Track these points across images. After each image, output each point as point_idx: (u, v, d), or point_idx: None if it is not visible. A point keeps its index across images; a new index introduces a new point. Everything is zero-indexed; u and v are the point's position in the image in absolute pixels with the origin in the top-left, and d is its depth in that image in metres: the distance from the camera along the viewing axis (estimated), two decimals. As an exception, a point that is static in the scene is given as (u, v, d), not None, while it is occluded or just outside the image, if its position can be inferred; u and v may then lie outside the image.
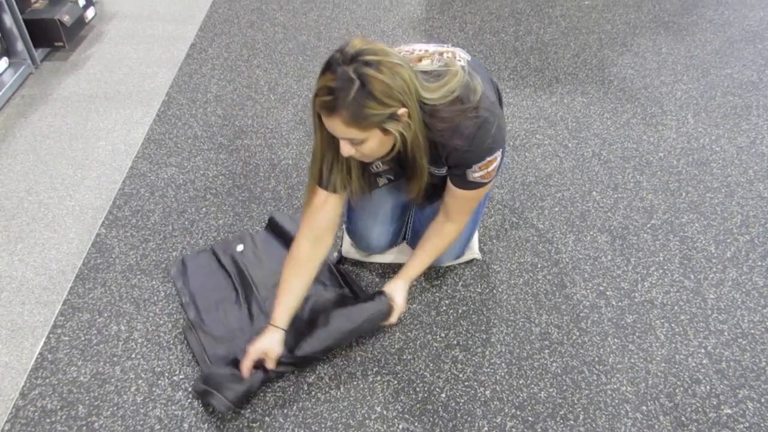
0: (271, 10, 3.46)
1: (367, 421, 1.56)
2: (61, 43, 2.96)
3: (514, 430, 1.54)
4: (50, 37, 2.93)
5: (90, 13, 3.21)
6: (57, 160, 2.43)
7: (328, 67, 1.27)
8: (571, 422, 1.55)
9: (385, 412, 1.58)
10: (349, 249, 1.97)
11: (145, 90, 2.84)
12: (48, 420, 1.56)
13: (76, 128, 2.60)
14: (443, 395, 1.62)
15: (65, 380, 1.66)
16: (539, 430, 1.54)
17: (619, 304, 1.84)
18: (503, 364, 1.68)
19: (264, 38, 3.19)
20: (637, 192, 2.21)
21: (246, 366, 1.55)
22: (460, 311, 1.82)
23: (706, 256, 1.98)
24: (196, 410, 1.58)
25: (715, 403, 1.59)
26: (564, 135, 2.49)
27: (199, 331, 1.73)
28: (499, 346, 1.73)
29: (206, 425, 1.55)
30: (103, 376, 1.66)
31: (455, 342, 1.74)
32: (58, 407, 1.59)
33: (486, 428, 1.55)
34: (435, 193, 1.66)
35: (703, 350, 1.71)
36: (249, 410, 1.58)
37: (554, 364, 1.68)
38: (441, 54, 1.51)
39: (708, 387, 1.62)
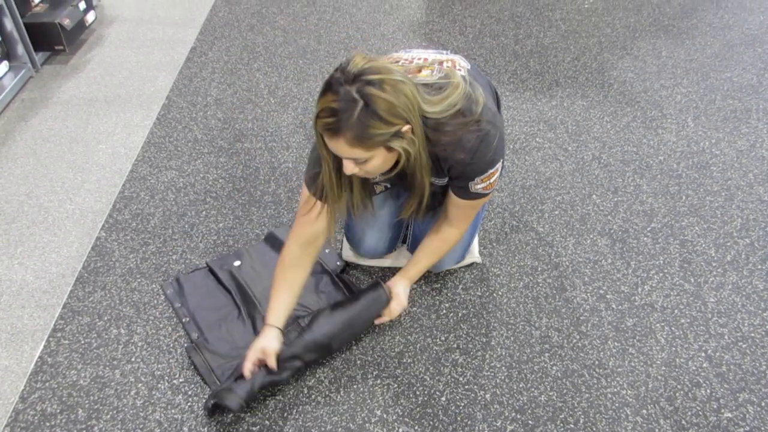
0: (271, 13, 3.47)
1: (367, 425, 1.56)
2: (61, 47, 2.96)
3: (514, 433, 1.55)
4: (50, 40, 2.93)
5: (90, 16, 3.22)
6: (57, 163, 2.43)
7: (329, 87, 1.25)
8: (572, 426, 1.55)
9: (385, 416, 1.57)
10: (348, 253, 1.97)
11: (146, 93, 2.84)
12: (48, 424, 1.56)
13: (76, 132, 2.60)
14: (443, 399, 1.61)
15: (65, 384, 1.65)
16: (539, 433, 1.54)
17: (620, 307, 1.84)
18: (503, 368, 1.68)
19: (264, 42, 3.20)
20: (637, 195, 2.21)
21: (247, 367, 1.54)
22: (460, 314, 1.82)
23: (706, 259, 1.98)
24: (196, 414, 1.58)
25: (715, 406, 1.58)
26: (564, 138, 2.49)
27: (204, 351, 1.70)
28: (499, 349, 1.73)
29: (206, 429, 1.55)
30: (103, 379, 1.66)
31: (455, 345, 1.74)
32: (58, 411, 1.59)
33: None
34: (434, 202, 1.66)
35: (703, 354, 1.71)
36: (249, 414, 1.58)
37: (554, 368, 1.68)
38: (441, 63, 1.50)
39: (708, 390, 1.62)
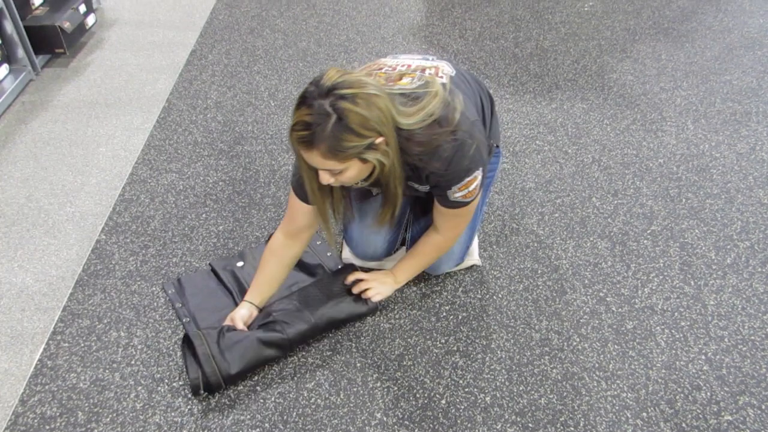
0: (271, 16, 3.47)
1: (367, 428, 1.55)
2: (61, 50, 2.96)
3: (514, 436, 1.54)
4: (51, 43, 2.93)
5: (90, 19, 3.22)
6: (57, 166, 2.43)
7: (303, 101, 1.28)
8: (572, 429, 1.55)
9: (385, 419, 1.57)
10: (348, 255, 1.97)
11: (146, 96, 2.84)
12: (47, 427, 1.56)
13: (76, 134, 2.60)
14: (443, 401, 1.61)
15: (65, 387, 1.65)
16: (539, 436, 1.54)
17: (620, 310, 1.84)
18: (503, 371, 1.68)
19: (264, 45, 3.20)
20: (637, 198, 2.21)
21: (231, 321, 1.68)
22: (460, 317, 1.82)
23: (706, 262, 1.98)
24: (196, 417, 1.58)
25: (715, 409, 1.58)
26: (564, 141, 2.50)
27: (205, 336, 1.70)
28: (499, 352, 1.73)
29: (206, 432, 1.55)
30: (103, 382, 1.66)
31: (455, 348, 1.74)
32: (58, 414, 1.59)
33: (486, 435, 1.55)
34: (428, 204, 1.69)
35: (703, 357, 1.71)
36: (249, 417, 1.58)
37: (554, 371, 1.68)
38: (423, 71, 1.52)
39: (708, 393, 1.62)
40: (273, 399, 1.62)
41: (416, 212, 1.87)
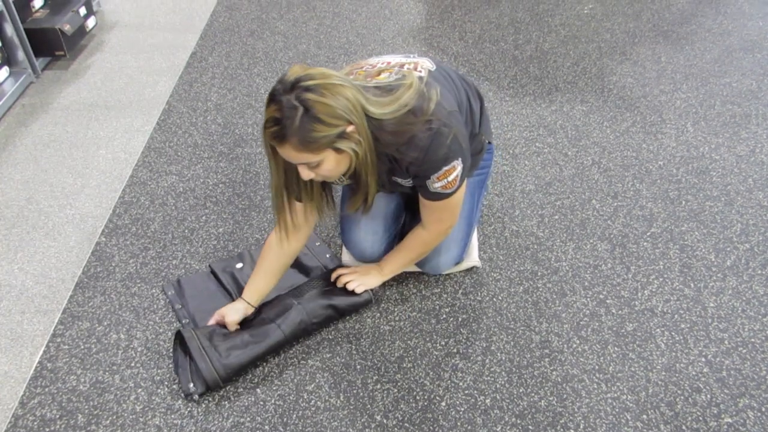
0: (271, 19, 3.48)
1: (366, 430, 1.55)
2: (61, 53, 2.97)
3: (514, 439, 1.54)
4: (51, 46, 2.94)
5: (91, 22, 3.23)
6: (57, 168, 2.43)
7: (272, 98, 1.32)
8: (572, 431, 1.55)
9: (385, 421, 1.57)
10: (347, 258, 1.97)
11: (146, 99, 2.84)
12: (47, 429, 1.56)
13: (76, 137, 2.60)
14: (443, 404, 1.61)
15: (64, 389, 1.65)
16: (540, 439, 1.54)
17: (619, 312, 1.84)
18: (503, 373, 1.68)
19: (264, 47, 3.20)
20: (636, 200, 2.22)
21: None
22: (460, 319, 1.82)
23: (706, 264, 1.98)
24: (196, 419, 1.58)
25: (715, 411, 1.58)
26: (564, 143, 2.50)
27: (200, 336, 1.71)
28: (499, 354, 1.73)
29: (206, 434, 1.55)
30: (103, 384, 1.66)
31: (455, 350, 1.74)
32: (58, 416, 1.59)
33: (486, 437, 1.55)
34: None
35: (703, 359, 1.71)
36: (248, 419, 1.58)
37: (554, 373, 1.68)
38: (401, 66, 1.55)
39: (708, 396, 1.62)
40: (273, 401, 1.62)
41: (413, 212, 1.87)
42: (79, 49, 3.22)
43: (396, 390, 1.64)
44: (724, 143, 2.48)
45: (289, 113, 1.29)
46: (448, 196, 1.58)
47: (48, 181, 2.36)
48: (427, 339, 1.77)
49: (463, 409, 1.60)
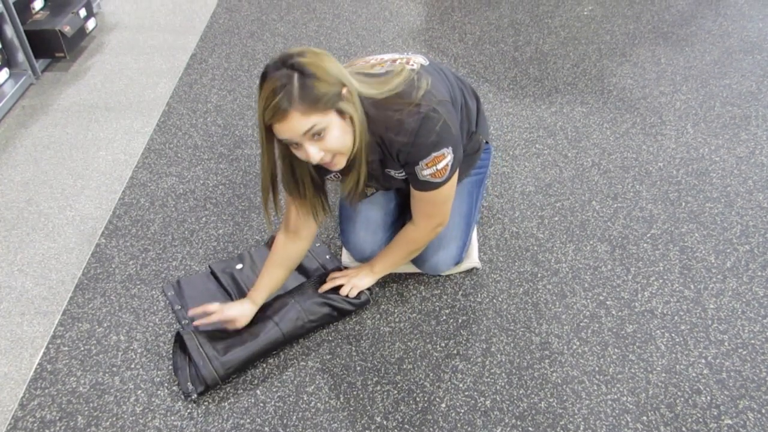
0: (271, 20, 3.48)
1: (366, 431, 1.56)
2: (61, 54, 2.97)
3: (514, 440, 1.54)
4: (51, 47, 2.94)
5: (91, 23, 3.23)
6: (57, 170, 2.43)
7: (264, 79, 1.33)
8: (572, 433, 1.55)
9: (385, 422, 1.57)
10: (347, 260, 1.97)
11: (146, 100, 2.85)
12: (47, 431, 1.56)
13: (76, 138, 2.60)
14: (443, 405, 1.61)
15: (64, 391, 1.65)
16: (540, 440, 1.54)
17: (619, 313, 1.84)
18: (503, 374, 1.68)
19: (264, 48, 3.20)
20: (636, 202, 2.22)
21: (209, 319, 1.67)
22: (460, 321, 1.82)
23: (705, 266, 1.98)
24: (196, 420, 1.58)
25: (715, 413, 1.58)
26: (563, 145, 2.50)
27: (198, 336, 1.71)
28: (499, 355, 1.73)
29: (205, 436, 1.55)
30: (103, 386, 1.66)
31: (455, 352, 1.74)
32: (57, 418, 1.59)
33: (486, 439, 1.54)
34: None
35: (703, 360, 1.71)
36: (248, 420, 1.57)
37: (554, 374, 1.68)
38: (394, 61, 1.57)
39: (708, 397, 1.62)
40: (273, 403, 1.62)
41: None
42: (79, 50, 3.22)
43: (396, 391, 1.64)
44: (724, 145, 2.48)
45: (286, 80, 1.28)
46: (437, 186, 1.57)
47: (48, 182, 2.36)
48: (427, 340, 1.77)
49: (463, 411, 1.60)
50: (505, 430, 1.55)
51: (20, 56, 2.84)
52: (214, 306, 1.68)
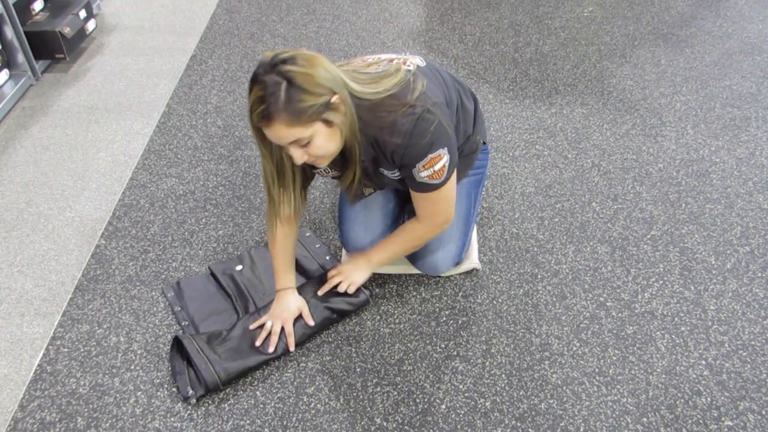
0: (271, 21, 3.48)
1: (366, 433, 1.55)
2: (61, 55, 2.97)
3: (514, 442, 1.54)
4: (51, 49, 2.94)
5: (91, 25, 3.23)
6: (57, 171, 2.43)
7: (254, 81, 1.33)
8: (572, 434, 1.55)
9: (385, 424, 1.57)
10: (347, 259, 1.97)
11: (146, 101, 2.85)
12: (46, 432, 1.56)
13: (76, 139, 2.60)
14: (443, 406, 1.61)
15: (64, 392, 1.65)
16: (540, 442, 1.54)
17: (620, 315, 1.83)
18: (503, 375, 1.68)
19: (264, 49, 3.20)
20: (636, 203, 2.22)
21: (273, 341, 1.68)
22: (460, 322, 1.82)
23: (706, 267, 1.98)
24: (195, 422, 1.57)
25: (716, 415, 1.58)
26: (563, 146, 2.50)
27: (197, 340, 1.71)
28: (499, 357, 1.73)
29: (205, 437, 1.55)
30: (102, 387, 1.66)
31: (455, 353, 1.74)
32: (57, 419, 1.59)
33: (486, 440, 1.54)
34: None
35: (703, 362, 1.70)
36: (248, 422, 1.57)
37: (554, 375, 1.68)
38: (391, 61, 1.57)
39: (709, 399, 1.62)
40: (273, 404, 1.62)
41: (411, 212, 1.87)
42: (79, 51, 3.22)
43: (396, 393, 1.64)
44: (724, 146, 2.48)
45: (274, 89, 1.29)
46: (436, 187, 1.57)
47: (48, 183, 2.36)
48: (427, 342, 1.77)
49: (463, 412, 1.59)
50: (505, 431, 1.55)
51: (20, 57, 2.85)
52: (268, 323, 1.71)
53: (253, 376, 1.68)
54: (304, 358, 1.73)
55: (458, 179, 1.85)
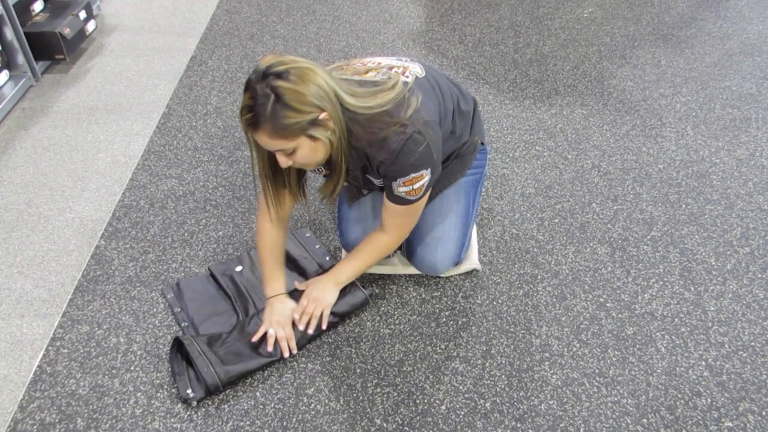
0: (271, 22, 3.48)
1: (366, 434, 1.55)
2: (61, 56, 2.97)
3: (514, 443, 1.54)
4: (51, 49, 2.94)
5: (91, 25, 3.23)
6: (57, 172, 2.43)
7: (247, 87, 1.36)
8: (572, 435, 1.55)
9: (384, 425, 1.57)
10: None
11: (146, 102, 2.85)
12: (46, 433, 1.56)
13: (76, 140, 2.60)
14: (443, 407, 1.61)
15: (64, 393, 1.65)
16: (540, 442, 1.54)
17: (620, 316, 1.83)
18: (503, 376, 1.68)
19: (264, 50, 3.20)
20: (636, 204, 2.21)
21: (283, 347, 1.69)
22: (460, 323, 1.82)
23: (706, 268, 1.98)
24: (195, 423, 1.57)
25: (716, 416, 1.58)
26: (563, 146, 2.50)
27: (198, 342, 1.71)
28: (499, 357, 1.73)
29: (205, 438, 1.55)
30: (102, 388, 1.66)
31: (455, 354, 1.74)
32: (57, 420, 1.59)
33: (486, 441, 1.54)
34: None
35: (703, 363, 1.70)
36: (248, 423, 1.57)
37: (554, 376, 1.68)
38: (390, 68, 1.58)
39: (709, 400, 1.61)
40: (272, 405, 1.62)
41: None
42: (79, 52, 3.22)
43: (396, 393, 1.64)
44: (724, 147, 2.48)
45: (262, 101, 1.32)
46: (411, 202, 1.61)
47: (48, 184, 2.36)
48: (427, 342, 1.77)
49: (463, 413, 1.59)
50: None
51: (20, 58, 2.85)
52: (270, 330, 1.70)
53: (252, 376, 1.68)
54: (303, 359, 1.72)
55: (456, 179, 1.87)
